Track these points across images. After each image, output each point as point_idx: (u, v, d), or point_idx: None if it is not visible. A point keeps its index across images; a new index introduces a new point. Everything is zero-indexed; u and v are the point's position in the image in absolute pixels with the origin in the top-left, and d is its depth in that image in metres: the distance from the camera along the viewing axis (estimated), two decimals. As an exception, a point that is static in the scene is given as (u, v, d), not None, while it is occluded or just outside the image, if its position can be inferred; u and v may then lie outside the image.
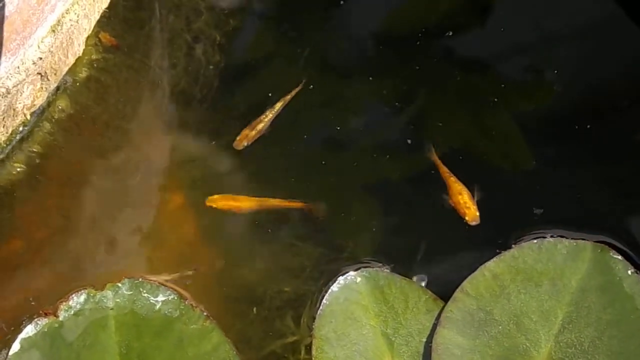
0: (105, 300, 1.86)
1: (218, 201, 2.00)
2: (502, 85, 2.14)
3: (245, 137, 2.05)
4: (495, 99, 2.12)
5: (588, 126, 2.07)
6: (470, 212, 1.96)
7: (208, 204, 1.99)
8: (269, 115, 2.08)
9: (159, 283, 1.88)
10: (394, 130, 2.11)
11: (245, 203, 2.00)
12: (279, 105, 2.09)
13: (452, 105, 2.13)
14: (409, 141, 2.07)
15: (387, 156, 2.07)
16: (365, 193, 2.03)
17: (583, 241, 1.90)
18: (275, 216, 2.00)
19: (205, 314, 1.85)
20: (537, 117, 2.11)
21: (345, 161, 2.06)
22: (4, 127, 1.99)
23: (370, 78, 2.15)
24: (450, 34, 2.20)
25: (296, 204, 2.00)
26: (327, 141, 2.09)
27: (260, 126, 2.06)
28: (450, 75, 2.15)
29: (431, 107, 2.13)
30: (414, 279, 1.91)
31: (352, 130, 2.10)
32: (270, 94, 2.11)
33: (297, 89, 2.10)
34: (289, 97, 2.09)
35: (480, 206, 1.98)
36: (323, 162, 2.06)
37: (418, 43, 2.19)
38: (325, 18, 2.25)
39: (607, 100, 2.13)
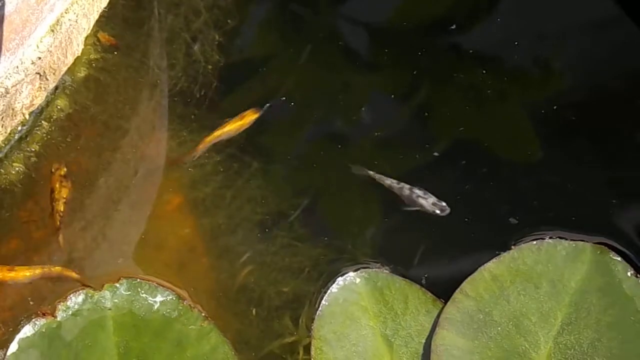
0: (103, 301, 1.86)
1: None
2: (506, 79, 2.14)
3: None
4: (498, 92, 2.12)
5: (589, 126, 2.07)
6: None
7: None
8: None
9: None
10: (398, 123, 2.11)
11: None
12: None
13: (456, 98, 2.13)
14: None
15: (392, 150, 2.07)
16: (367, 190, 2.03)
17: (582, 242, 1.89)
18: (274, 217, 2.00)
19: (203, 314, 1.85)
20: (538, 114, 2.10)
21: (347, 156, 2.06)
22: (2, 126, 1.98)
23: (373, 72, 2.16)
24: (454, 27, 2.20)
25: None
26: (331, 135, 2.09)
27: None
28: (456, 67, 2.15)
29: (436, 100, 2.13)
30: None
31: (356, 125, 2.10)
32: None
33: None
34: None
35: (480, 201, 1.99)
36: (326, 156, 2.06)
37: (423, 35, 2.19)
38: (326, 15, 2.25)
39: (609, 100, 2.13)
